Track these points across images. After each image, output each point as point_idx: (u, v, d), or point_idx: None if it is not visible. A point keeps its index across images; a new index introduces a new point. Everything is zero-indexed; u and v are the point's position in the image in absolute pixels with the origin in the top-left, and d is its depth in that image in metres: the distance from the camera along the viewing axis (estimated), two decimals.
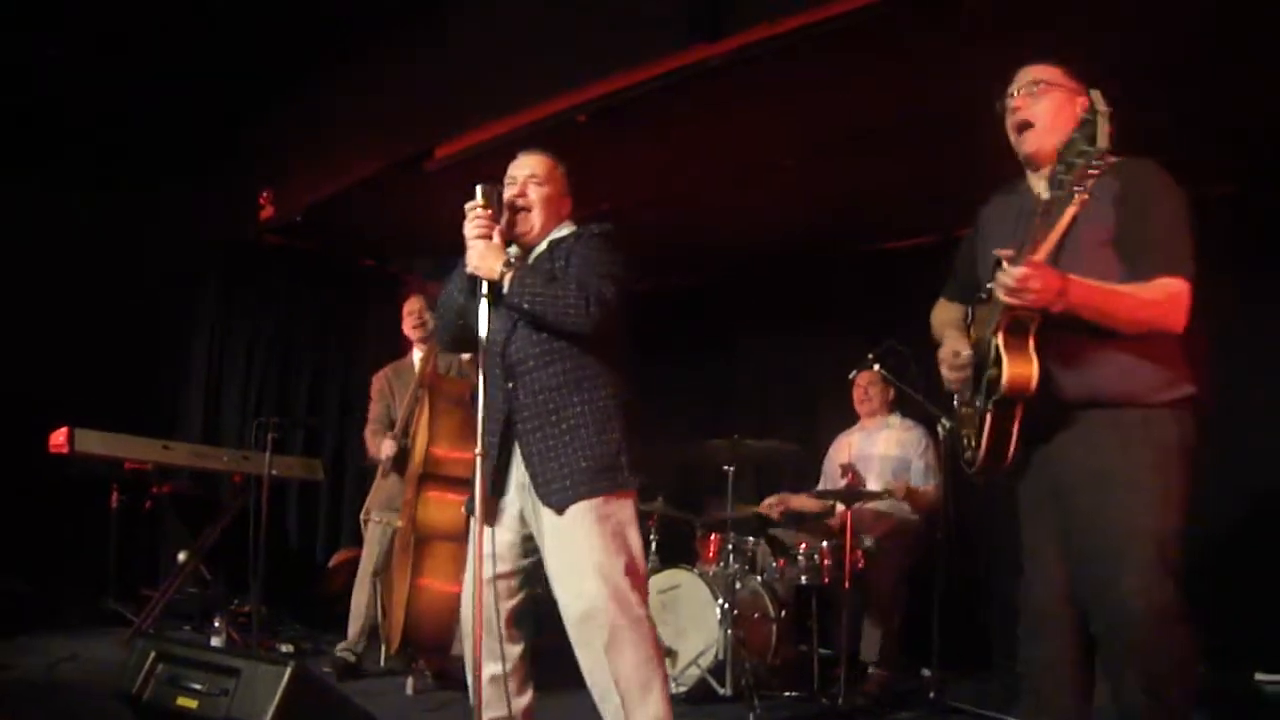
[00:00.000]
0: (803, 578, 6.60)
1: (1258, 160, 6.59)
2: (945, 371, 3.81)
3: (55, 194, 8.08)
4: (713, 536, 6.97)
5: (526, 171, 4.10)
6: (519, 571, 3.97)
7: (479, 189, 3.94)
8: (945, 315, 4.09)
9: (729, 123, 6.70)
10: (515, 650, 3.97)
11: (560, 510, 3.77)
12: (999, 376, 3.33)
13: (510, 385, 3.89)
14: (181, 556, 7.53)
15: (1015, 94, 3.63)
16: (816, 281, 9.00)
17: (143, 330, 8.79)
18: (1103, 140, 2.96)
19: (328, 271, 9.97)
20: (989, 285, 3.41)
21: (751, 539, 6.96)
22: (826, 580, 6.53)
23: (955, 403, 3.87)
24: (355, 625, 6.71)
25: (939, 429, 6.57)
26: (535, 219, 4.05)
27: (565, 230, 4.10)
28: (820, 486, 7.37)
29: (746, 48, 5.65)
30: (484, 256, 3.83)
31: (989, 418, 3.46)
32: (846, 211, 8.02)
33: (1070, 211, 3.13)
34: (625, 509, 3.86)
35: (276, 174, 8.54)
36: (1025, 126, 3.58)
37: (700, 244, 7.72)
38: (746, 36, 5.63)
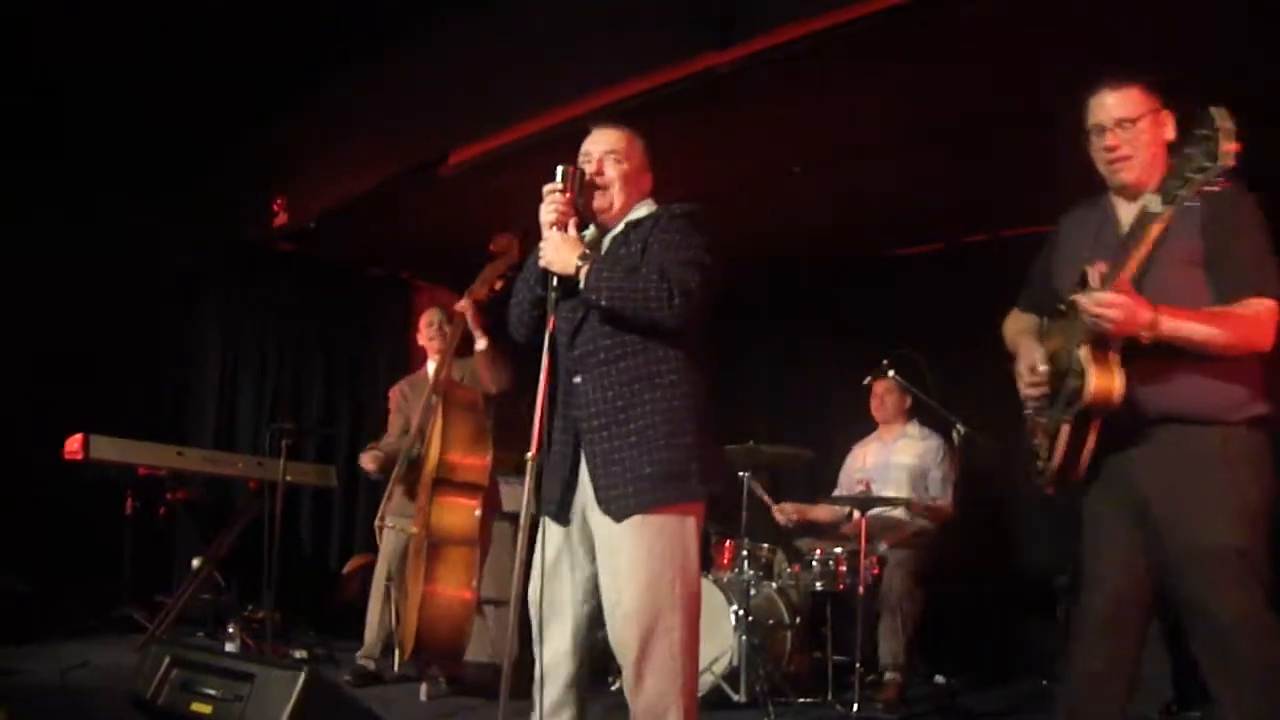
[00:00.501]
0: (818, 584, 6.61)
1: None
2: (1023, 387, 3.76)
3: (66, 197, 8.09)
4: (728, 543, 6.95)
5: (604, 147, 3.83)
6: (583, 582, 3.70)
7: (559, 170, 3.69)
8: (1019, 324, 4.03)
9: (741, 128, 6.71)
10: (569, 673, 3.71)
11: (618, 519, 3.52)
12: (1081, 388, 3.34)
13: (578, 380, 3.66)
14: (196, 563, 7.54)
15: (1108, 129, 3.53)
16: (827, 287, 9.02)
17: (156, 335, 8.82)
18: (1226, 159, 2.93)
19: (339, 277, 9.98)
20: (1070, 297, 3.42)
21: (766, 546, 6.96)
22: (841, 587, 6.53)
23: (1029, 411, 3.80)
24: (371, 632, 6.71)
25: (954, 435, 6.56)
26: (615, 197, 3.79)
27: (644, 211, 3.83)
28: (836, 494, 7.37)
29: (756, 55, 5.66)
30: (558, 249, 3.59)
31: (1066, 429, 3.48)
32: (857, 217, 8.02)
33: (1156, 228, 3.17)
34: (688, 523, 3.57)
35: (289, 179, 8.55)
36: (1124, 159, 3.52)
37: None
38: (756, 44, 5.64)
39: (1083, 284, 3.35)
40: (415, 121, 7.34)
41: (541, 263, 3.64)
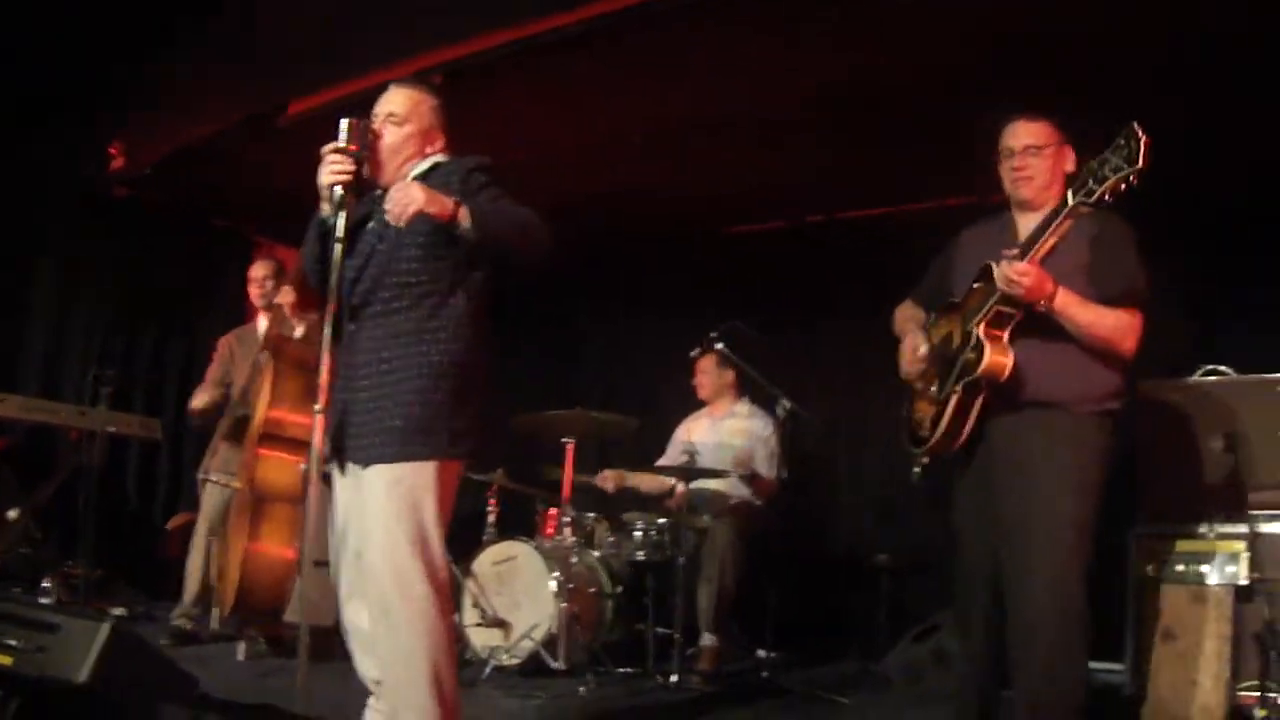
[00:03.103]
0: (640, 554, 6.66)
1: None
2: (904, 365, 4.37)
3: None
4: (552, 510, 6.99)
5: (386, 109, 3.75)
6: None
7: (343, 124, 3.58)
8: (908, 313, 4.57)
9: (579, 95, 6.73)
10: None
11: (363, 466, 3.54)
12: (977, 361, 3.90)
13: (352, 328, 3.64)
14: (12, 514, 7.35)
15: (1017, 153, 4.10)
16: (668, 260, 9.06)
17: None
18: (1142, 160, 3.50)
19: (180, 228, 9.73)
20: (974, 285, 4.05)
21: (591, 514, 7.00)
22: (663, 557, 6.59)
23: (917, 388, 4.34)
24: (191, 590, 6.62)
25: (779, 410, 6.63)
26: (384, 164, 3.70)
27: (430, 163, 3.76)
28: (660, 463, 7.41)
29: (603, 17, 5.64)
30: (426, 193, 3.38)
31: (954, 399, 4.01)
32: (699, 191, 8.07)
33: (1068, 222, 3.79)
34: (426, 476, 3.52)
35: (128, 123, 8.34)
36: (1027, 179, 4.10)
37: (547, 212, 7.70)
38: (603, 6, 5.62)
39: (985, 277, 3.96)
40: (255, 69, 7.19)
41: (411, 210, 3.38)
